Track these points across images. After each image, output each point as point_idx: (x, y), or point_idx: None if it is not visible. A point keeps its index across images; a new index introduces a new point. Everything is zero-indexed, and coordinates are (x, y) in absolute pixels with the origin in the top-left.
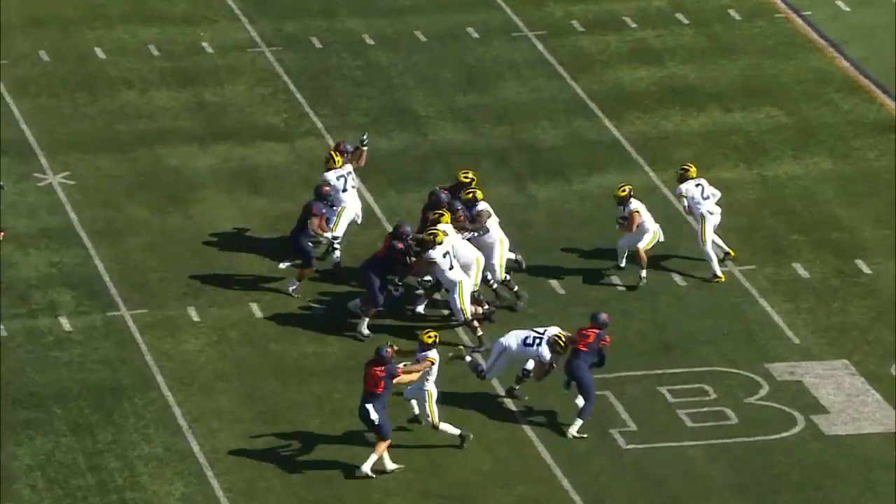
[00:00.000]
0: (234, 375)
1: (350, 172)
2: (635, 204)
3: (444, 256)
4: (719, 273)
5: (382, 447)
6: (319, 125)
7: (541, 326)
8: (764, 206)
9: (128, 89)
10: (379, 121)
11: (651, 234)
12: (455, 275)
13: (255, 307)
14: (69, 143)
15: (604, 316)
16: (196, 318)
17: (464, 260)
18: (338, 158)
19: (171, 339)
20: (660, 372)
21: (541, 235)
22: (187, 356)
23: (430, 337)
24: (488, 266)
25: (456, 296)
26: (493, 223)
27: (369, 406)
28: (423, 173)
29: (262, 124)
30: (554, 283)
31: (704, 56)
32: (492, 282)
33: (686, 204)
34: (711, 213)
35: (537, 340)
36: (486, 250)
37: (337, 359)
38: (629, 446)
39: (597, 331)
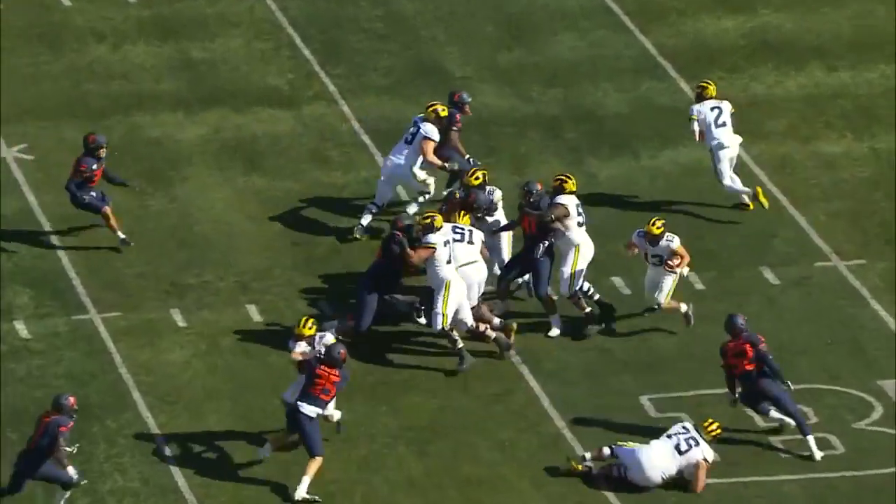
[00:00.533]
0: (227, 392)
1: (424, 129)
2: (677, 240)
3: (445, 245)
4: (747, 200)
5: (315, 466)
6: (331, 88)
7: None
8: (877, 187)
9: (98, 43)
10: (404, 82)
11: (676, 276)
12: (447, 272)
13: (252, 310)
14: (26, 108)
15: (740, 320)
16: (181, 323)
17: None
18: (434, 113)
19: (151, 349)
20: None
21: (601, 221)
22: (170, 369)
23: (309, 329)
24: (559, 275)
25: (440, 296)
26: (573, 224)
27: (310, 409)
28: None
29: (261, 86)
30: (617, 280)
31: (805, 2)
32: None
33: (697, 128)
34: (726, 147)
35: (692, 442)
36: (558, 258)
37: (351, 374)
38: (709, 480)
39: (746, 341)
